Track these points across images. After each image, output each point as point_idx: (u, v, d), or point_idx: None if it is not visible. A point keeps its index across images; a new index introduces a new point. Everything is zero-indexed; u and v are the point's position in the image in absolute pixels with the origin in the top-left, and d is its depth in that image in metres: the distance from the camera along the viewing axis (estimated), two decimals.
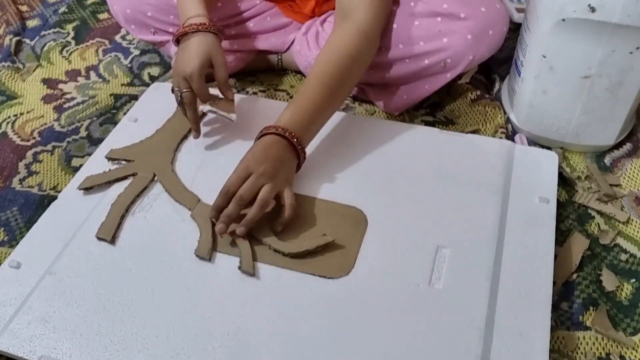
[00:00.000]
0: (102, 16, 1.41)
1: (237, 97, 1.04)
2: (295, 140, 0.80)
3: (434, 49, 0.95)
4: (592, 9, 0.82)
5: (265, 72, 1.19)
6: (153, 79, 1.21)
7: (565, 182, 0.94)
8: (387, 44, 0.97)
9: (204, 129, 0.94)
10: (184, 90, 0.89)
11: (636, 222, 0.88)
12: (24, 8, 1.45)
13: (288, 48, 1.14)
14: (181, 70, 0.89)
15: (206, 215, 0.80)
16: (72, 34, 1.35)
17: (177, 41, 0.93)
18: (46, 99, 1.18)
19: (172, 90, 0.93)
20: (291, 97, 1.14)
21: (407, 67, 0.98)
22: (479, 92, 1.10)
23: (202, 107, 0.93)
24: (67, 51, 1.30)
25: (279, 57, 1.16)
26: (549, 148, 0.99)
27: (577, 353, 0.74)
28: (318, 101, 0.84)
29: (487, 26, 0.92)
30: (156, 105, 1.01)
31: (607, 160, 0.99)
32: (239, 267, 0.75)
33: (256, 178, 0.77)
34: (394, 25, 0.96)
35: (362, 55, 0.88)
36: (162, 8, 1.08)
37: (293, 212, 0.78)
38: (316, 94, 0.84)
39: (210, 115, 0.97)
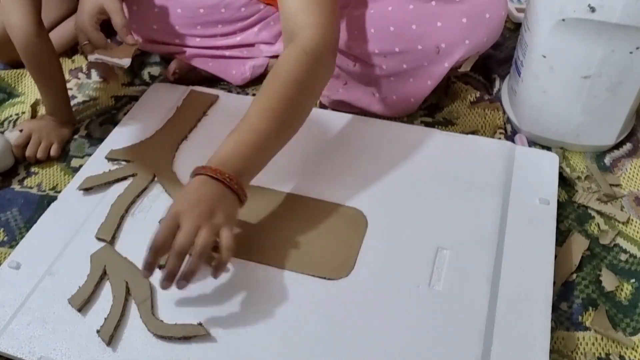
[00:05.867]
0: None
1: (239, 97, 1.04)
2: (229, 180, 0.69)
3: (426, 32, 0.93)
4: (592, 9, 0.82)
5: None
6: (153, 78, 1.21)
7: (565, 182, 0.94)
8: (379, 27, 0.95)
9: (204, 130, 0.94)
10: (84, 43, 0.89)
11: (636, 222, 0.88)
12: None
13: None
14: (77, 24, 0.89)
15: None
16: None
17: None
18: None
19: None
20: None
21: (402, 55, 0.96)
22: (478, 94, 1.10)
23: (90, 57, 0.90)
24: (70, 50, 1.30)
25: None
26: (548, 148, 0.99)
27: (576, 353, 0.74)
28: (261, 133, 0.72)
29: (484, 9, 0.91)
30: (156, 106, 1.02)
31: (607, 160, 0.98)
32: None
33: (191, 223, 0.66)
34: (389, 9, 0.95)
35: (311, 79, 0.78)
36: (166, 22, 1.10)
37: (229, 256, 0.68)
38: (258, 125, 0.73)
39: (211, 118, 0.97)
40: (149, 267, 0.67)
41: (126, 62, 0.87)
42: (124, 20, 0.89)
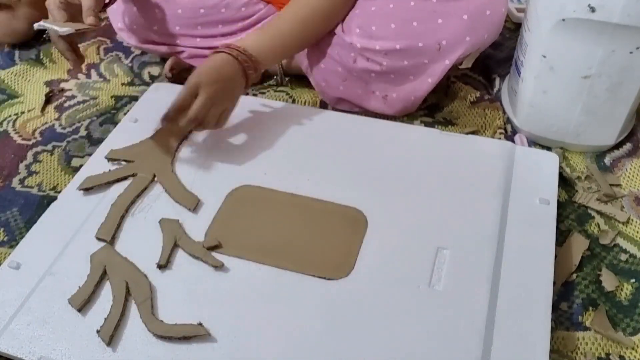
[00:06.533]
0: (105, 14, 1.40)
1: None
2: (248, 66, 0.85)
3: (427, 29, 0.93)
4: (592, 9, 0.82)
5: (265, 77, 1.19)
6: (153, 78, 1.21)
7: (565, 182, 0.94)
8: (380, 24, 0.95)
9: (204, 131, 0.94)
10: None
11: (636, 222, 0.88)
12: None
13: None
14: (47, 3, 0.89)
15: (170, 228, 0.80)
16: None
17: None
18: (48, 98, 1.18)
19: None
20: (291, 98, 1.14)
21: (402, 52, 0.96)
22: (478, 94, 1.10)
23: (36, 24, 0.88)
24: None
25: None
26: (548, 148, 0.99)
27: (576, 353, 0.74)
28: (285, 27, 0.90)
29: (484, 6, 0.91)
30: (156, 106, 1.00)
31: (607, 160, 0.99)
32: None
33: (207, 99, 0.81)
34: (390, 6, 0.95)
35: (332, 12, 0.95)
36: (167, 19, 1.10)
37: (220, 127, 0.87)
38: (284, 22, 0.90)
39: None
40: (166, 118, 0.83)
41: (65, 30, 0.86)
42: (92, 3, 0.88)
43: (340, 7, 0.96)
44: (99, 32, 1.35)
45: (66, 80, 1.22)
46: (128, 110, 1.04)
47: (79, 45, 0.98)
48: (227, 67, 0.84)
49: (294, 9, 0.93)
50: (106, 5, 0.93)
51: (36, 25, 0.87)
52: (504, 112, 1.07)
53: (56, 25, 0.85)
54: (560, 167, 0.92)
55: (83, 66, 1.25)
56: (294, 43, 0.93)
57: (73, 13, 0.87)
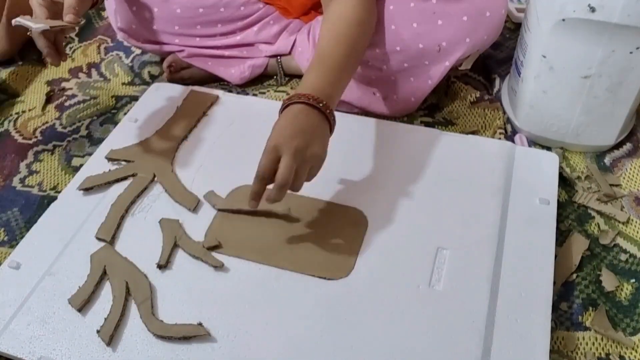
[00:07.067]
0: (105, 14, 1.41)
1: (239, 97, 1.04)
2: (322, 105, 0.75)
3: (427, 31, 0.93)
4: (592, 9, 0.82)
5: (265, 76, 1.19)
6: (153, 77, 1.21)
7: (565, 182, 0.94)
8: (380, 26, 0.95)
9: (204, 130, 0.94)
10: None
11: (636, 222, 0.88)
12: None
13: (291, 50, 1.14)
14: (30, 4, 0.87)
15: (170, 228, 0.80)
16: (76, 30, 1.35)
17: None
18: (48, 98, 1.18)
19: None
20: None
21: (403, 53, 0.96)
22: (478, 94, 1.10)
23: (14, 20, 0.86)
24: (70, 49, 1.30)
25: (279, 60, 1.15)
26: (548, 148, 0.99)
27: (576, 353, 0.74)
28: (336, 64, 0.80)
29: (484, 8, 0.92)
30: (156, 106, 1.01)
31: (607, 160, 0.98)
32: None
33: (291, 159, 0.71)
34: (390, 7, 0.95)
35: (367, 18, 0.87)
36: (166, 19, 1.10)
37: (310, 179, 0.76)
38: (333, 58, 0.81)
39: (211, 118, 0.97)
40: (256, 197, 0.73)
41: (39, 27, 0.85)
42: (73, 2, 0.85)
43: (370, 13, 0.89)
44: (100, 32, 1.35)
45: (67, 80, 1.22)
46: (128, 110, 1.04)
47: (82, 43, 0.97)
48: (300, 117, 0.74)
49: (331, 33, 0.84)
50: (94, 5, 0.92)
51: (14, 22, 0.87)
52: (504, 112, 1.07)
53: (32, 21, 0.85)
54: (560, 167, 0.92)
55: (83, 65, 1.25)
56: (344, 65, 0.82)
57: (57, 11, 0.86)
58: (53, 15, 0.87)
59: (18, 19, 0.86)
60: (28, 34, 0.85)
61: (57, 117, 1.12)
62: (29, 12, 0.87)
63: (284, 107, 0.76)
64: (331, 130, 0.78)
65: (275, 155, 0.72)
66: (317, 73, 0.79)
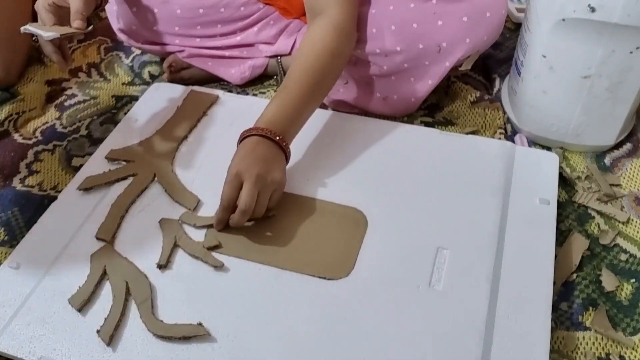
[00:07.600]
0: (104, 14, 1.40)
1: (239, 97, 1.04)
2: (278, 138, 0.79)
3: (427, 31, 0.93)
4: (592, 9, 0.82)
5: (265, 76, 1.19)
6: (153, 77, 1.21)
7: (565, 182, 0.94)
8: (380, 26, 0.95)
9: (204, 130, 0.94)
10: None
11: (636, 222, 0.88)
12: None
13: (291, 50, 1.14)
14: (36, 5, 0.87)
15: (170, 228, 0.80)
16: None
17: None
18: (48, 98, 1.18)
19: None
20: None
21: (403, 54, 0.96)
22: (478, 94, 1.10)
23: (22, 28, 0.87)
24: (70, 49, 1.30)
25: (279, 60, 1.15)
26: (548, 148, 0.99)
27: (576, 353, 0.74)
28: (299, 97, 0.83)
29: (484, 8, 0.92)
30: (156, 106, 1.01)
31: (607, 160, 0.98)
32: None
33: (253, 185, 0.75)
34: (390, 7, 0.95)
35: (340, 49, 0.88)
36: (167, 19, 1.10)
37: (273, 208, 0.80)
38: (297, 90, 0.84)
39: (211, 118, 0.97)
40: (220, 224, 0.78)
41: (49, 35, 0.85)
42: (80, 7, 0.85)
43: (347, 39, 0.91)
44: (100, 32, 1.35)
45: (67, 80, 1.22)
46: (128, 110, 1.04)
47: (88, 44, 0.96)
48: (259, 147, 0.78)
49: (299, 66, 0.86)
50: (98, 7, 0.92)
51: (22, 29, 0.87)
52: (504, 112, 1.07)
53: (42, 29, 0.85)
54: (560, 167, 0.92)
55: (83, 65, 1.25)
56: (308, 98, 0.85)
57: (62, 15, 0.86)
58: (59, 19, 0.87)
59: (27, 26, 0.86)
60: (33, 39, 0.85)
61: (57, 117, 1.12)
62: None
63: (242, 139, 0.81)
64: (287, 159, 0.82)
65: (237, 182, 0.76)
66: (278, 107, 0.82)
